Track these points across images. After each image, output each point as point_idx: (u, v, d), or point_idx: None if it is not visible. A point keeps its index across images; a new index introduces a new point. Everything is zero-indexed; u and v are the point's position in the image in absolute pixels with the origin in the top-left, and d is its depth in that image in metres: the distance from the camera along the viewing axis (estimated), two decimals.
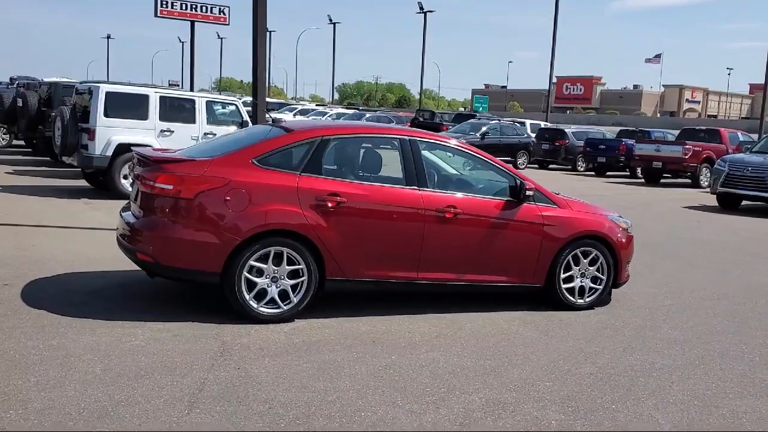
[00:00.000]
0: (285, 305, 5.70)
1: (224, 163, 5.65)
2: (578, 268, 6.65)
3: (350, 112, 36.70)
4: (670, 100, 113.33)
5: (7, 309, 5.57)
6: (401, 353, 5.15)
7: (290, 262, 5.68)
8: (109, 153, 12.14)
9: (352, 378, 4.62)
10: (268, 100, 42.94)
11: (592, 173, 26.32)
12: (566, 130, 28.04)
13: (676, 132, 28.31)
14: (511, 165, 24.90)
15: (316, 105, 43.60)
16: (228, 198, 5.51)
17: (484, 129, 26.01)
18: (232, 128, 13.45)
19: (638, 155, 23.52)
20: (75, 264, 7.22)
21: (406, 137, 6.25)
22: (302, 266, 5.69)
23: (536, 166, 27.72)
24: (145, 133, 12.49)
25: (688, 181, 22.89)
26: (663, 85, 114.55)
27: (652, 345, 5.73)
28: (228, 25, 36.50)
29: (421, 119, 35.31)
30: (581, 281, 6.68)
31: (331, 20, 62.23)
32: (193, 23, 34.95)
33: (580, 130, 28.79)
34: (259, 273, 5.62)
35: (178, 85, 58.01)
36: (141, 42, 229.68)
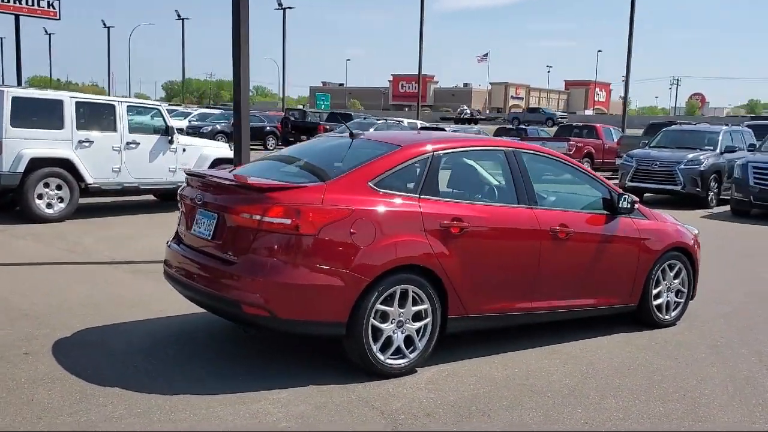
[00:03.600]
0: (410, 353, 4.81)
1: (341, 189, 4.63)
2: (665, 282, 6.28)
3: (216, 112, 34.65)
4: (497, 96, 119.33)
5: (70, 392, 4.21)
6: (583, 406, 4.43)
7: (414, 302, 4.80)
8: (21, 169, 10.25)
9: None
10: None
11: None
12: (447, 130, 28.20)
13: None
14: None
15: (170, 104, 40.78)
16: (353, 231, 4.51)
17: (372, 130, 25.48)
18: (155, 136, 11.97)
19: None
20: (79, 313, 5.78)
21: (510, 149, 5.54)
22: (426, 306, 4.83)
23: None
24: (61, 145, 10.70)
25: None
26: (490, 83, 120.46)
27: None
28: (59, 20, 33.52)
29: (293, 119, 34.21)
30: (667, 296, 6.31)
31: (179, 16, 58.78)
32: (17, 17, 31.81)
33: (459, 129, 29.10)
34: (383, 318, 4.69)
35: None
36: None
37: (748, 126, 20.13)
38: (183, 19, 58.16)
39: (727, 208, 15.51)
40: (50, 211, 10.59)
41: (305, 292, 4.40)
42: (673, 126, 20.02)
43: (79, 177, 10.85)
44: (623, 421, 4.22)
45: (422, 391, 4.52)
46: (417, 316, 4.82)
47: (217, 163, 12.81)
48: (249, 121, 8.45)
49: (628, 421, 4.22)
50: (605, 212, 5.88)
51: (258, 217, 4.42)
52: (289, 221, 4.38)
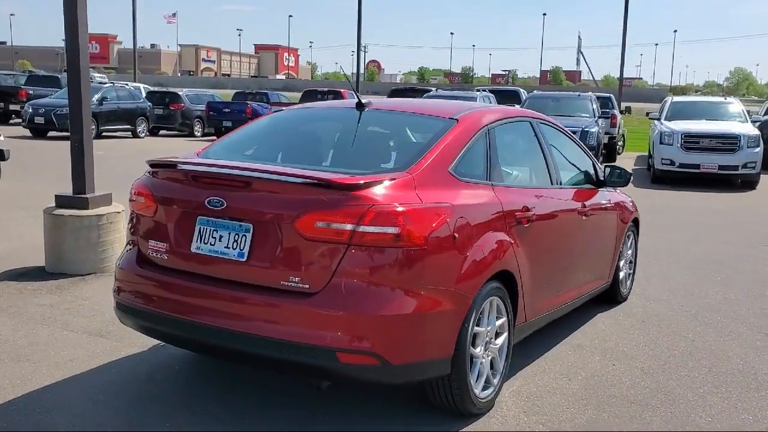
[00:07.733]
0: (494, 380, 3.85)
1: (428, 180, 3.44)
2: (624, 255, 6.04)
3: None
4: (188, 59, 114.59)
5: None
6: (704, 412, 3.92)
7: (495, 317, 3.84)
8: None
9: None
10: None
11: (214, 137, 24.94)
12: (180, 93, 25.90)
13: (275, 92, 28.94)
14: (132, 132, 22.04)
15: None
16: (456, 235, 3.38)
17: (100, 94, 22.24)
18: None
19: None
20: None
21: (533, 119, 4.74)
22: (504, 318, 3.89)
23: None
24: None
25: None
26: (180, 45, 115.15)
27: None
28: None
29: None
30: (624, 269, 6.08)
31: None
32: None
33: (192, 93, 26.92)
34: (473, 342, 3.64)
35: None
36: None
37: (491, 92, 21.69)
38: None
39: None
40: None
41: (417, 324, 3.21)
42: (431, 92, 20.67)
43: None
44: (757, 422, 3.79)
45: (537, 426, 3.63)
46: (496, 333, 3.87)
47: None
48: (89, 94, 6.37)
49: (762, 421, 3.81)
50: (591, 186, 5.39)
51: (350, 227, 3.07)
52: (396, 230, 3.11)
